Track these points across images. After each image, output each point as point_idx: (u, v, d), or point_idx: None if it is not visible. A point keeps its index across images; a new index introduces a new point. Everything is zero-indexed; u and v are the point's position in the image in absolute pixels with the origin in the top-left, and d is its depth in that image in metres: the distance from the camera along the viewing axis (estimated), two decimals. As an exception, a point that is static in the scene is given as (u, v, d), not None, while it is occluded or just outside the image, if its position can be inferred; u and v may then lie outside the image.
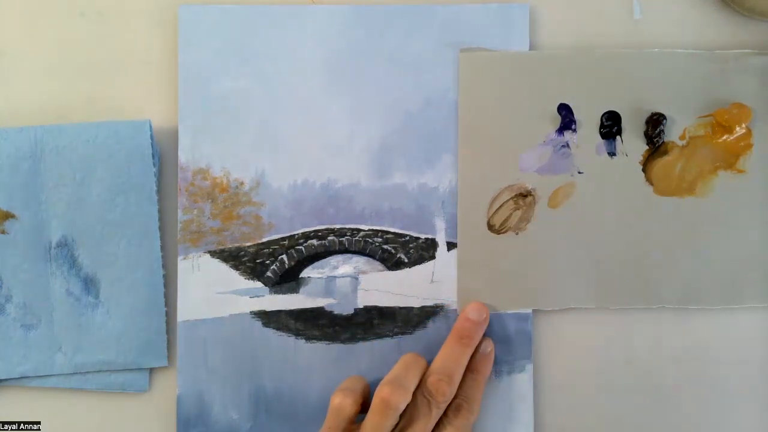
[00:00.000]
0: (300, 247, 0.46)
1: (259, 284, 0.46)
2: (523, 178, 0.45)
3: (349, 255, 0.46)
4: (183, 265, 0.45)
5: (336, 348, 0.45)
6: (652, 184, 0.45)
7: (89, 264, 0.45)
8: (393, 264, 0.46)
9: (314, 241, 0.46)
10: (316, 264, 0.46)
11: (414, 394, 0.41)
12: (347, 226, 0.46)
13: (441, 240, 0.46)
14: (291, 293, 0.46)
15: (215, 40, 0.45)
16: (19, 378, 0.45)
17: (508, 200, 0.45)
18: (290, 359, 0.45)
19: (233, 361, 0.45)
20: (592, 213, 0.45)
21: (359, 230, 0.46)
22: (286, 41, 0.46)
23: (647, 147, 0.45)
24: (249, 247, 0.45)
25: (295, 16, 0.46)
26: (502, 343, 0.45)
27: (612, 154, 0.45)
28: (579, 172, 0.45)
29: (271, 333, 0.45)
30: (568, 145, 0.45)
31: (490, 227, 0.45)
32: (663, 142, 0.45)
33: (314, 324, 0.45)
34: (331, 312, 0.46)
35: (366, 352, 0.45)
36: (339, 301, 0.46)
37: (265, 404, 0.45)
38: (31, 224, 0.45)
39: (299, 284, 0.46)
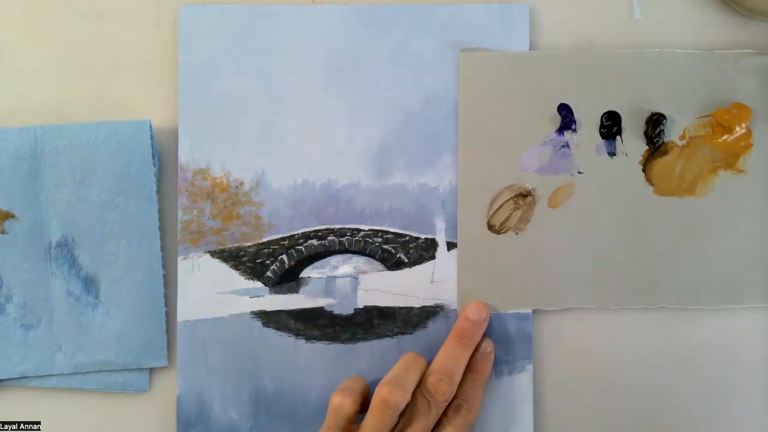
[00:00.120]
0: (300, 247, 0.46)
1: (259, 284, 0.46)
2: (523, 178, 0.45)
3: (349, 255, 0.46)
4: (183, 265, 0.45)
5: (336, 348, 0.45)
6: (652, 184, 0.45)
7: (89, 264, 0.45)
8: (393, 264, 0.46)
9: (314, 241, 0.46)
10: (316, 264, 0.46)
11: (414, 393, 0.42)
12: (347, 226, 0.46)
13: (441, 240, 0.46)
14: (291, 293, 0.46)
15: (215, 40, 0.45)
16: (19, 378, 0.45)
17: (508, 200, 0.45)
18: (290, 359, 0.45)
19: (233, 361, 0.45)
20: (592, 213, 0.45)
21: (359, 230, 0.46)
22: (286, 41, 0.46)
23: (647, 147, 0.45)
24: (249, 247, 0.46)
25: (295, 16, 0.46)
26: (502, 343, 0.45)
27: (612, 154, 0.45)
28: (579, 172, 0.45)
29: (271, 333, 0.45)
30: (568, 145, 0.45)
31: (490, 227, 0.45)
32: (663, 142, 0.45)
33: (314, 324, 0.46)
34: (331, 312, 0.46)
35: (366, 352, 0.45)
36: (339, 301, 0.46)
37: (265, 404, 0.45)
38: (31, 224, 0.45)
39: (299, 284, 0.46)
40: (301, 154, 0.46)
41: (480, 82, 0.45)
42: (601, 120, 0.45)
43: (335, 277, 0.46)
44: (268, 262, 0.46)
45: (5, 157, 0.44)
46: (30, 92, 0.46)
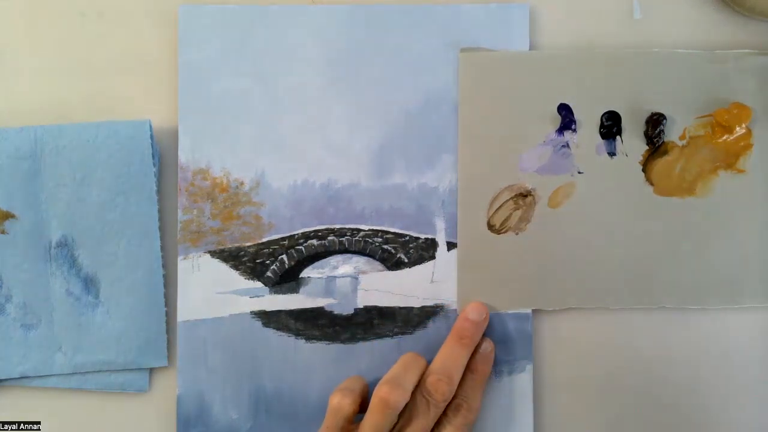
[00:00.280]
0: (300, 247, 0.46)
1: (259, 284, 0.46)
2: (523, 178, 0.45)
3: (349, 255, 0.46)
4: (183, 265, 0.45)
5: (336, 348, 0.45)
6: (652, 184, 0.45)
7: (89, 264, 0.45)
8: (393, 264, 0.46)
9: (314, 241, 0.46)
10: (316, 264, 0.46)
11: (413, 393, 0.42)
12: (347, 226, 0.46)
13: (441, 240, 0.46)
14: (291, 293, 0.46)
15: (215, 40, 0.45)
16: (19, 378, 0.45)
17: (508, 200, 0.45)
18: (290, 359, 0.45)
19: (233, 361, 0.45)
20: (592, 213, 0.45)
21: (359, 230, 0.46)
22: (286, 41, 0.46)
23: (647, 147, 0.45)
24: (249, 247, 0.46)
25: (295, 15, 0.46)
26: (502, 343, 0.45)
27: (612, 154, 0.45)
28: (579, 172, 0.45)
29: (271, 333, 0.45)
30: (568, 145, 0.45)
31: (490, 227, 0.45)
32: (663, 142, 0.45)
33: (314, 324, 0.45)
34: (331, 312, 0.46)
35: (366, 352, 0.45)
36: (339, 301, 0.46)
37: (265, 404, 0.45)
38: (31, 224, 0.45)
39: (299, 284, 0.46)
40: (301, 154, 0.46)
41: (480, 82, 0.45)
42: (601, 120, 0.45)
43: (335, 277, 0.46)
44: (268, 262, 0.46)
45: (5, 157, 0.44)
46: (30, 92, 0.46)
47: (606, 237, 0.45)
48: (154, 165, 0.45)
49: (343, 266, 0.46)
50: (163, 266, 0.45)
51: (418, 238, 0.46)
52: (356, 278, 0.46)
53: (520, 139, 0.45)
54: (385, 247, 0.46)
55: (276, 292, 0.46)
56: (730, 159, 0.45)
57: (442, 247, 0.46)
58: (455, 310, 0.45)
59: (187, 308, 0.45)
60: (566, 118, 0.45)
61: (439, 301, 0.45)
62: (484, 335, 0.44)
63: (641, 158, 0.45)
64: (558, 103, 0.45)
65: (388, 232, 0.46)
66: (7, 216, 0.44)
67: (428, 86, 0.46)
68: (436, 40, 0.46)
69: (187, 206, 0.45)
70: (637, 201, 0.45)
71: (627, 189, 0.45)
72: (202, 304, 0.45)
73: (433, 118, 0.46)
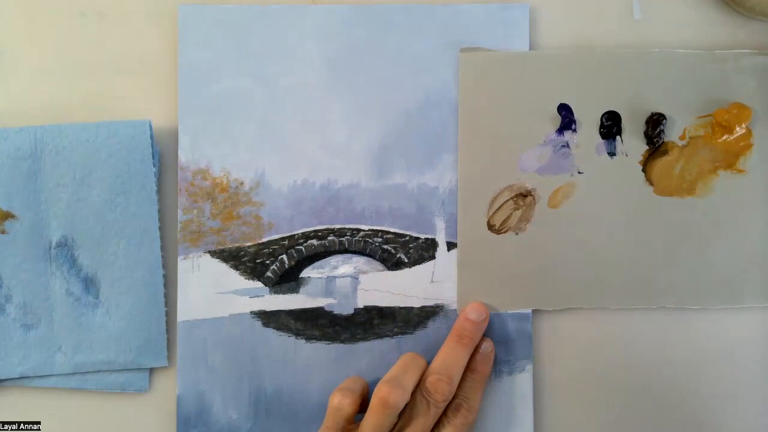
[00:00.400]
0: (300, 247, 0.46)
1: (259, 284, 0.46)
2: (523, 178, 0.45)
3: (349, 255, 0.46)
4: (183, 265, 0.45)
5: (336, 348, 0.45)
6: (652, 184, 0.45)
7: (89, 264, 0.45)
8: (393, 264, 0.46)
9: (314, 241, 0.46)
10: (316, 264, 0.46)
11: (413, 393, 0.42)
12: (347, 226, 0.46)
13: (441, 240, 0.46)
14: (291, 293, 0.46)
15: (215, 40, 0.45)
16: (19, 378, 0.45)
17: (508, 200, 0.45)
18: (290, 359, 0.45)
19: (233, 361, 0.45)
20: (592, 213, 0.45)
21: (359, 230, 0.46)
22: (286, 41, 0.46)
23: (647, 147, 0.45)
24: (249, 247, 0.46)
25: (295, 15, 0.46)
26: (502, 343, 0.45)
27: (612, 154, 0.45)
28: (579, 172, 0.45)
29: (271, 333, 0.45)
30: (568, 145, 0.45)
31: (490, 227, 0.45)
32: (663, 142, 0.45)
33: (314, 324, 0.45)
34: (331, 312, 0.46)
35: (366, 352, 0.45)
36: (339, 301, 0.46)
37: (265, 404, 0.45)
38: (31, 224, 0.45)
39: (299, 284, 0.46)
40: (301, 154, 0.46)
41: (480, 82, 0.45)
42: (601, 120, 0.45)
43: (335, 277, 0.46)
44: (268, 262, 0.46)
45: (5, 157, 0.44)
46: (30, 92, 0.46)
47: (606, 237, 0.45)
48: (154, 165, 0.45)
49: (343, 266, 0.46)
50: (163, 266, 0.45)
51: (418, 238, 0.46)
52: (356, 278, 0.46)
53: (520, 139, 0.45)
54: (385, 247, 0.46)
55: (276, 292, 0.46)
56: (730, 159, 0.45)
57: (442, 247, 0.46)
58: (455, 310, 0.45)
59: (187, 308, 0.45)
60: (566, 118, 0.45)
61: (439, 301, 0.45)
62: (484, 335, 0.44)
63: (641, 158, 0.45)
64: (558, 103, 0.45)
65: (388, 232, 0.46)
66: (7, 216, 0.44)
67: (428, 86, 0.46)
68: (436, 40, 0.46)
69: (187, 206, 0.45)
70: (637, 201, 0.45)
71: (627, 189, 0.45)
72: (202, 304, 0.45)
73: (433, 118, 0.46)
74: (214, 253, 0.45)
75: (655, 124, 0.45)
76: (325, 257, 0.46)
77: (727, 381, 0.45)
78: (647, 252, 0.45)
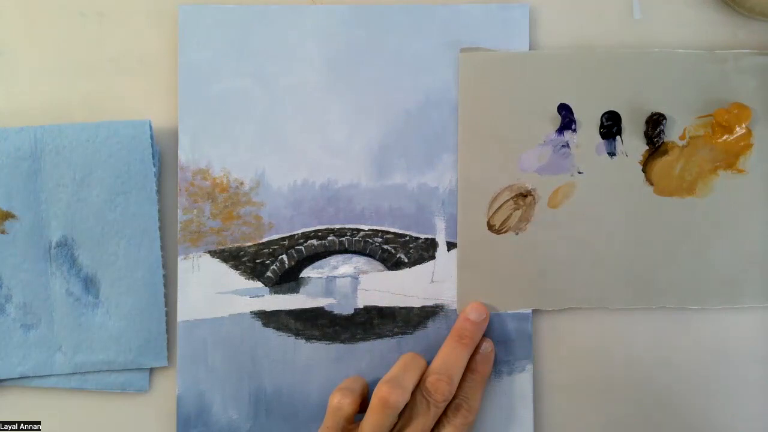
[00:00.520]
0: (300, 247, 0.46)
1: (259, 284, 0.46)
2: (523, 178, 0.45)
3: (349, 255, 0.46)
4: (183, 265, 0.45)
5: (336, 348, 0.45)
6: (652, 184, 0.45)
7: (89, 264, 0.45)
8: (393, 264, 0.46)
9: (314, 241, 0.46)
10: (316, 264, 0.46)
11: (413, 393, 0.42)
12: (347, 226, 0.46)
13: (441, 240, 0.46)
14: (291, 293, 0.46)
15: (215, 40, 0.45)
16: (19, 378, 0.45)
17: (508, 200, 0.45)
18: (290, 359, 0.45)
19: (233, 361, 0.45)
20: (592, 213, 0.45)
21: (359, 230, 0.46)
22: (286, 41, 0.46)
23: (647, 147, 0.45)
24: (249, 247, 0.46)
25: (295, 15, 0.46)
26: (502, 344, 0.45)
27: (612, 154, 0.45)
28: (579, 172, 0.45)
29: (271, 333, 0.45)
30: (568, 145, 0.45)
31: (490, 227, 0.45)
32: (663, 142, 0.45)
33: (314, 324, 0.46)
34: (331, 312, 0.46)
35: (366, 352, 0.45)
36: (339, 301, 0.46)
37: (265, 404, 0.45)
38: (31, 224, 0.45)
39: (299, 284, 0.46)
40: (301, 154, 0.46)
41: (480, 82, 0.45)
42: (601, 120, 0.45)
43: (335, 277, 0.46)
44: (268, 262, 0.46)
45: (5, 157, 0.44)
46: (30, 92, 0.46)
47: (606, 237, 0.45)
48: (154, 165, 0.45)
49: (343, 266, 0.46)
50: (163, 266, 0.45)
51: (418, 238, 0.46)
52: (356, 278, 0.46)
53: (520, 139, 0.45)
54: (385, 247, 0.46)
55: (276, 292, 0.46)
56: (730, 159, 0.45)
57: (442, 247, 0.46)
58: (455, 310, 0.45)
59: (187, 308, 0.45)
60: (566, 118, 0.45)
61: (439, 301, 0.45)
62: (484, 336, 0.44)
63: (641, 158, 0.45)
64: (558, 103, 0.45)
65: (388, 232, 0.46)
66: (7, 216, 0.44)
67: (428, 86, 0.46)
68: (436, 40, 0.46)
69: (187, 206, 0.45)
70: (637, 201, 0.45)
71: (627, 189, 0.45)
72: (202, 304, 0.45)
73: (433, 118, 0.46)
74: (214, 253, 0.45)
75: (655, 124, 0.45)
76: (325, 257, 0.46)
77: (727, 381, 0.45)
78: (647, 252, 0.45)
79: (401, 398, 0.40)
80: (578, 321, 0.46)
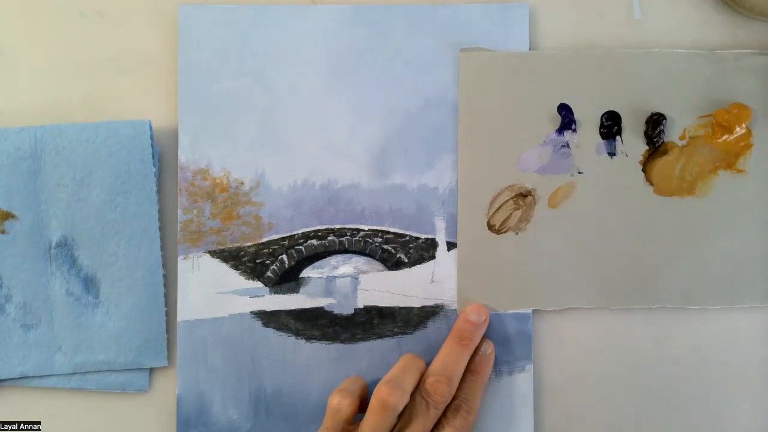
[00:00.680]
0: (300, 247, 0.46)
1: (259, 284, 0.46)
2: (523, 178, 0.45)
3: (349, 255, 0.46)
4: (183, 265, 0.45)
5: (336, 348, 0.45)
6: (652, 184, 0.45)
7: (89, 264, 0.45)
8: (393, 264, 0.46)
9: (314, 241, 0.46)
10: (316, 264, 0.46)
11: (413, 394, 0.41)
12: (347, 226, 0.46)
13: (441, 240, 0.46)
14: (291, 293, 0.46)
15: (215, 40, 0.45)
16: (19, 378, 0.45)
17: (508, 200, 0.45)
18: (290, 359, 0.45)
19: (233, 361, 0.45)
20: (592, 213, 0.45)
21: (359, 230, 0.46)
22: (286, 41, 0.46)
23: (647, 147, 0.45)
24: (249, 247, 0.46)
25: (295, 15, 0.46)
26: (502, 344, 0.45)
27: (612, 154, 0.45)
28: (579, 172, 0.45)
29: (271, 333, 0.45)
30: (568, 145, 0.45)
31: (490, 227, 0.45)
32: (663, 142, 0.45)
33: (314, 324, 0.46)
34: (331, 312, 0.46)
35: (366, 352, 0.45)
36: (339, 301, 0.46)
37: (265, 404, 0.45)
38: (31, 224, 0.45)
39: (299, 284, 0.46)
40: (301, 154, 0.46)
41: (480, 82, 0.45)
42: (601, 120, 0.45)
43: (335, 277, 0.46)
44: (268, 262, 0.46)
45: (5, 157, 0.44)
46: (30, 92, 0.46)
47: (606, 237, 0.45)
48: (154, 165, 0.45)
49: (343, 266, 0.46)
50: (163, 266, 0.45)
51: (418, 238, 0.46)
52: (356, 278, 0.46)
53: (520, 139, 0.45)
54: (385, 247, 0.46)
55: (276, 292, 0.46)
56: (730, 159, 0.45)
57: (442, 247, 0.46)
58: (455, 310, 0.45)
59: (187, 308, 0.45)
60: (566, 118, 0.45)
61: (439, 301, 0.45)
62: (485, 336, 0.44)
63: (641, 158, 0.45)
64: (558, 103, 0.45)
65: (388, 232, 0.46)
66: (7, 216, 0.44)
67: (428, 86, 0.46)
68: (436, 40, 0.46)
69: (187, 206, 0.45)
70: (637, 201, 0.45)
71: (627, 189, 0.45)
72: (202, 304, 0.45)
73: (433, 118, 0.46)
74: (214, 253, 0.45)
75: (655, 124, 0.45)
76: (325, 257, 0.46)
77: (727, 381, 0.45)
78: (647, 252, 0.45)
79: (400, 400, 0.40)
80: (578, 321, 0.46)
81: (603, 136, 0.45)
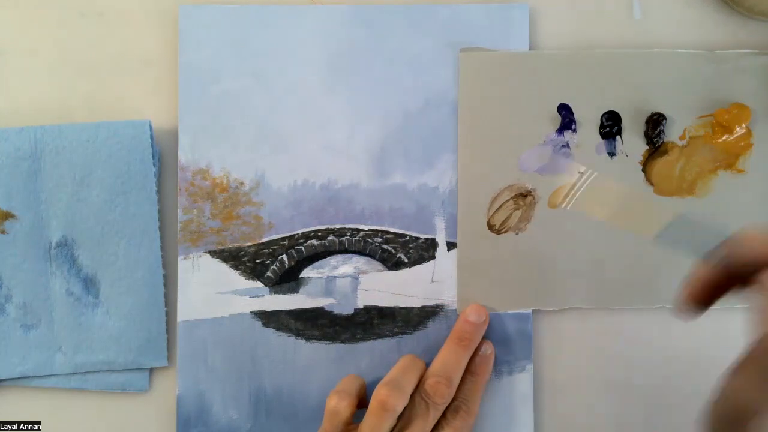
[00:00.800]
0: (300, 247, 0.46)
1: (259, 284, 0.46)
2: (523, 178, 0.45)
3: (349, 255, 0.46)
4: (183, 265, 0.45)
5: (336, 348, 0.45)
6: (652, 184, 0.45)
7: (89, 264, 0.45)
8: (393, 264, 0.46)
9: (314, 241, 0.46)
10: (316, 264, 0.46)
11: (412, 395, 0.41)
12: (347, 226, 0.46)
13: (441, 240, 0.46)
14: (291, 293, 0.46)
15: (215, 40, 0.45)
16: (19, 378, 0.45)
17: (508, 200, 0.45)
18: (290, 359, 0.45)
19: (233, 361, 0.45)
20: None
21: (359, 230, 0.46)
22: (286, 41, 0.46)
23: (647, 147, 0.45)
24: (249, 247, 0.46)
25: (295, 15, 0.46)
26: (502, 344, 0.45)
27: (612, 154, 0.45)
28: (579, 172, 0.45)
29: (271, 333, 0.45)
30: (568, 145, 0.45)
31: (490, 227, 0.45)
32: (663, 142, 0.45)
33: (314, 324, 0.45)
34: (331, 312, 0.46)
35: (366, 352, 0.45)
36: (339, 301, 0.46)
37: (265, 404, 0.45)
38: (31, 224, 0.45)
39: (299, 284, 0.46)
40: (301, 154, 0.46)
41: (480, 82, 0.45)
42: (601, 120, 0.45)
43: (335, 277, 0.46)
44: (268, 262, 0.46)
45: (5, 157, 0.44)
46: (30, 92, 0.46)
47: (606, 237, 0.45)
48: (154, 165, 0.45)
49: (343, 266, 0.46)
50: (163, 266, 0.45)
51: (418, 238, 0.46)
52: (356, 278, 0.46)
53: (520, 139, 0.45)
54: (385, 247, 0.46)
55: (276, 292, 0.46)
56: (730, 159, 0.45)
57: (442, 247, 0.46)
58: (455, 310, 0.45)
59: (187, 308, 0.45)
60: (566, 118, 0.45)
61: (439, 301, 0.45)
62: (484, 337, 0.44)
63: (641, 158, 0.45)
64: (558, 103, 0.45)
65: (388, 232, 0.46)
66: (7, 216, 0.44)
67: (428, 86, 0.46)
68: (436, 40, 0.46)
69: (187, 206, 0.45)
70: (637, 201, 0.45)
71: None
72: (202, 304, 0.45)
73: (433, 118, 0.46)
74: (214, 253, 0.45)
75: (655, 124, 0.45)
76: (325, 257, 0.46)
77: (727, 381, 0.45)
78: (647, 252, 0.45)
79: (400, 401, 0.40)
80: (578, 321, 0.46)
81: (603, 136, 0.45)
